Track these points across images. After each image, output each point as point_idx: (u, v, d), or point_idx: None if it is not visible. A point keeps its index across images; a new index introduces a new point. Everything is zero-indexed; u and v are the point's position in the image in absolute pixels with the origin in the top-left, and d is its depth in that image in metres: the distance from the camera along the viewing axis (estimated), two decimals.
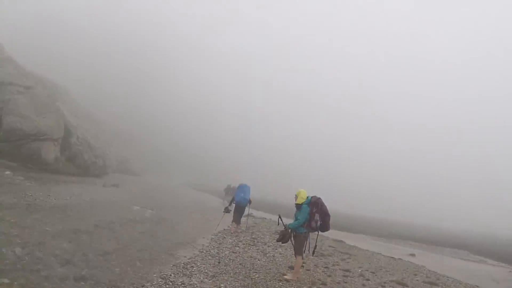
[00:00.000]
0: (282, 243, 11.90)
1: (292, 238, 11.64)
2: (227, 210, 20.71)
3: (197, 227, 20.26)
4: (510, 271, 24.23)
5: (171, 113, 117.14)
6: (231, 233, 19.43)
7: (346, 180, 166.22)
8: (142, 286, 8.84)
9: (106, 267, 9.79)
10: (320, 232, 11.80)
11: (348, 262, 16.48)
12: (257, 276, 11.43)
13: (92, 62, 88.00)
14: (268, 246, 17.07)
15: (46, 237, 11.09)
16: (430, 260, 23.77)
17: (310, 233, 11.75)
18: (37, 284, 7.76)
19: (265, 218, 30.81)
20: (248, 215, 22.24)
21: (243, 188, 20.08)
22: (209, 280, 10.25)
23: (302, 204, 11.44)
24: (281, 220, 12.60)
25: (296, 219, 11.50)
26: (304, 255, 11.70)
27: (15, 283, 7.54)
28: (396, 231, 44.74)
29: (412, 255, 24.60)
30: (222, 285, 9.99)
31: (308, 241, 11.69)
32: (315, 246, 11.80)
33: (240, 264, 12.68)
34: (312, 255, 13.39)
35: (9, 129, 27.98)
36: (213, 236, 17.61)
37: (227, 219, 21.43)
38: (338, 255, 17.62)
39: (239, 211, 20.12)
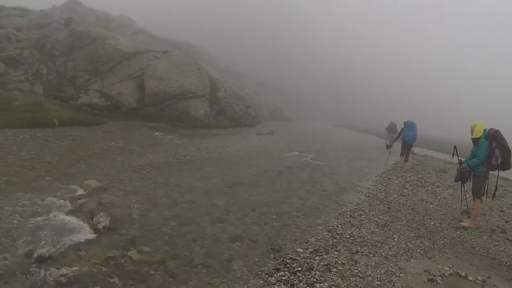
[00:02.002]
0: (462, 183, 10.05)
1: (471, 178, 9.80)
2: (388, 147, 20.51)
3: (360, 168, 18.81)
4: None
5: (310, 60, 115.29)
6: (400, 168, 19.14)
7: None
8: (306, 242, 7.57)
9: (264, 222, 8.63)
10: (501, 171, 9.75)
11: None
12: (432, 223, 9.82)
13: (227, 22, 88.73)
14: (437, 187, 15.18)
15: (198, 194, 10.26)
16: None
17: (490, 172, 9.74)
18: (185, 250, 6.77)
19: (427, 155, 28.32)
20: (412, 153, 20.58)
21: (411, 125, 19.01)
22: (380, 230, 8.82)
23: (479, 138, 9.40)
24: (457, 153, 10.48)
25: (474, 155, 9.58)
26: (483, 198, 9.88)
27: (160, 250, 6.61)
28: None
29: None
30: (395, 235, 8.52)
31: (487, 182, 9.73)
32: (496, 187, 9.98)
33: (412, 209, 11.12)
34: (493, 199, 11.44)
35: (152, 94, 28.39)
36: (377, 178, 16.14)
37: (392, 158, 20.71)
38: (510, 196, 14.99)
39: (407, 148, 19.61)
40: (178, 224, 7.82)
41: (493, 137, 9.29)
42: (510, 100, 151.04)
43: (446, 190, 14.60)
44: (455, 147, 10.65)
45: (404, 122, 19.54)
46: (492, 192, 9.98)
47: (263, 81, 69.19)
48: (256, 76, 67.58)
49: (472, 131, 9.55)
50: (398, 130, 24.49)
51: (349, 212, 9.99)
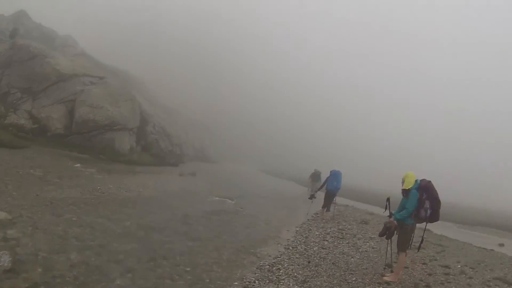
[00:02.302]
0: (386, 238, 9.95)
1: (397, 231, 9.69)
2: (312, 196, 20.42)
3: (280, 218, 18.66)
4: None
5: (243, 104, 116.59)
6: (321, 219, 19.07)
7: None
8: None
9: (177, 274, 8.20)
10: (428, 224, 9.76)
11: (444, 256, 14.46)
12: (353, 279, 9.66)
13: (163, 55, 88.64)
14: (359, 239, 15.29)
15: (110, 238, 9.70)
16: None
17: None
18: None
19: (348, 205, 28.87)
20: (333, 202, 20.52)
21: (335, 175, 19.06)
22: (300, 286, 8.56)
23: (409, 189, 9.37)
24: (389, 205, 10.25)
25: (403, 207, 9.51)
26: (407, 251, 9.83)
27: None
28: (477, 218, 41.32)
29: (501, 245, 22.06)
30: None
31: (413, 234, 9.74)
32: (422, 240, 9.91)
33: (332, 263, 10.92)
34: (418, 251, 11.45)
35: (81, 121, 27.55)
36: (297, 229, 16.01)
37: (313, 207, 20.92)
38: (431, 248, 15.57)
39: (330, 198, 19.36)
40: (85, 272, 7.27)
41: (424, 188, 9.28)
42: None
43: (367, 242, 14.69)
44: (388, 200, 10.26)
45: (330, 171, 19.51)
46: (418, 244, 10.05)
47: (194, 119, 68.81)
48: (188, 113, 67.22)
49: (403, 181, 9.56)
50: (322, 178, 24.89)
51: (268, 266, 9.68)
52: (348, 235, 15.72)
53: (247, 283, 8.25)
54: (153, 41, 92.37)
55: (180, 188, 22.41)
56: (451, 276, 11.15)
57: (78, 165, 21.18)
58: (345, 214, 22.89)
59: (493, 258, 15.80)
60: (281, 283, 8.55)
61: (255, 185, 36.46)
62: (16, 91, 28.08)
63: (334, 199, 19.94)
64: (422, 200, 9.23)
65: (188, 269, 8.61)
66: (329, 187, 19.01)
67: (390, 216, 9.80)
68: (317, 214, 20.66)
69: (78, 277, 7.02)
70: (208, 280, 8.11)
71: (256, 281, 8.42)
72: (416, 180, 9.45)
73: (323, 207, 19.54)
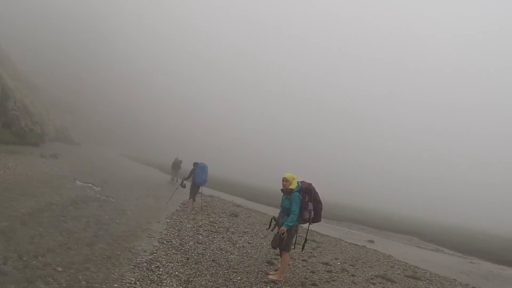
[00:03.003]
0: (275, 248, 9.79)
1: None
2: (183, 185, 20.88)
3: (148, 207, 18.08)
4: (471, 262, 23.51)
5: (111, 85, 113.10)
6: (190, 209, 19.26)
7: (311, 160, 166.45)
8: None
9: (50, 275, 7.28)
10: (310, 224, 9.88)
11: (320, 252, 15.02)
12: (238, 278, 9.42)
13: (36, 29, 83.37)
14: (232, 233, 15.25)
15: None
16: (390, 247, 22.78)
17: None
18: None
19: (213, 196, 29.15)
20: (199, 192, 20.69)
21: (203, 168, 19.35)
22: (184, 287, 8.13)
23: (292, 191, 9.40)
24: (276, 222, 10.12)
25: (285, 209, 9.55)
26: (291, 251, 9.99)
27: None
28: (342, 214, 43.79)
29: (371, 241, 23.69)
30: None
31: (296, 235, 9.74)
32: (305, 240, 10.20)
33: (212, 260, 10.62)
34: (302, 251, 11.62)
35: None
36: (168, 220, 15.54)
37: (177, 197, 21.92)
38: (306, 243, 15.91)
39: (196, 189, 19.61)
40: None
41: (306, 190, 9.34)
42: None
43: (242, 237, 14.68)
44: (272, 219, 10.33)
45: (196, 163, 19.76)
46: (301, 243, 10.04)
47: (59, 99, 65.12)
48: (54, 91, 63.59)
49: (287, 181, 9.46)
50: (182, 167, 25.29)
51: (145, 264, 9.07)
52: (221, 229, 15.60)
53: (127, 285, 7.59)
54: (20, 11, 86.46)
55: (43, 172, 20.90)
56: (334, 274, 11.46)
57: None
58: (212, 205, 22.97)
59: (368, 255, 16.76)
60: (164, 284, 8.03)
61: (119, 171, 35.45)
62: None
63: (200, 189, 20.04)
64: (305, 202, 9.31)
65: (60, 269, 7.70)
66: (197, 180, 19.12)
67: (276, 224, 9.87)
68: (184, 204, 20.79)
69: None
70: (84, 283, 7.29)
71: (137, 282, 7.81)
72: (297, 182, 9.47)
73: (190, 197, 19.59)
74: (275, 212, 22.13)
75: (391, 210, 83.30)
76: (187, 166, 28.01)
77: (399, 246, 26.22)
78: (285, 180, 9.56)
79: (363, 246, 19.80)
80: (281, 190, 9.71)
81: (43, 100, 52.30)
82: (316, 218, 9.63)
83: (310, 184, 9.58)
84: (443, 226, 58.91)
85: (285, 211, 9.57)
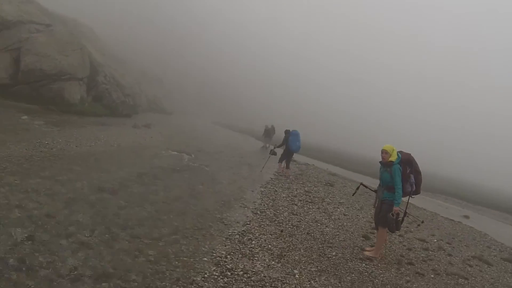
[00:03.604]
0: (397, 230, 8.99)
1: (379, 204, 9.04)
2: (273, 153, 20.86)
3: (241, 175, 17.71)
4: None
5: (198, 53, 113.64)
6: (283, 175, 19.42)
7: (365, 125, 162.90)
8: (191, 284, 6.11)
9: (137, 249, 6.97)
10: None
11: (417, 228, 14.00)
12: (333, 253, 8.89)
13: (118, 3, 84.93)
14: (328, 204, 14.72)
15: (58, 204, 8.29)
16: (486, 225, 21.45)
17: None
18: None
19: (308, 164, 28.69)
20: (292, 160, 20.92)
21: (297, 135, 19.34)
22: (277, 263, 7.60)
23: (392, 163, 8.59)
24: (375, 196, 9.41)
25: (386, 182, 8.76)
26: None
27: None
28: (436, 185, 41.75)
29: (467, 217, 22.37)
30: (295, 270, 7.38)
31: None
32: (405, 214, 9.05)
33: (307, 233, 10.12)
34: (401, 225, 10.73)
35: (27, 70, 25.19)
36: (262, 189, 15.10)
37: (270, 164, 21.27)
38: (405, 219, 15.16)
39: (290, 156, 19.88)
40: (31, 251, 5.93)
41: (407, 162, 8.63)
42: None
43: (338, 208, 14.17)
44: (362, 185, 9.78)
45: (288, 131, 19.79)
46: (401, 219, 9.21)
47: (146, 71, 66.17)
48: (140, 65, 64.66)
49: (386, 153, 8.69)
50: (277, 133, 25.06)
51: (238, 236, 8.69)
52: (317, 199, 15.08)
53: (218, 258, 7.18)
54: None
55: (135, 142, 21.07)
56: (430, 252, 10.80)
57: (26, 117, 19.31)
58: (308, 174, 22.47)
59: (464, 232, 15.92)
60: (256, 258, 7.58)
61: (211, 139, 35.48)
62: None
63: (293, 156, 20.21)
64: (407, 175, 8.63)
65: (149, 241, 7.42)
66: (292, 147, 19.18)
67: (381, 201, 8.99)
68: (279, 173, 20.23)
69: (23, 260, 5.70)
70: (173, 256, 6.94)
71: (228, 256, 7.39)
72: (397, 153, 8.67)
73: (281, 161, 20.04)
74: (371, 181, 21.28)
75: (485, 184, 79.53)
76: (278, 133, 27.99)
77: (495, 224, 24.60)
78: (384, 152, 8.77)
79: (458, 222, 18.82)
80: (380, 162, 8.95)
81: (133, 73, 53.19)
82: (417, 190, 8.91)
83: (410, 154, 8.80)
84: None
85: (385, 185, 8.79)
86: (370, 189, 9.68)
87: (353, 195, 10.15)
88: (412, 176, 8.66)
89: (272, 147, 22.27)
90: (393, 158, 8.58)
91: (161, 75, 75.34)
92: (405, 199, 9.01)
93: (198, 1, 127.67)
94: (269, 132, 33.60)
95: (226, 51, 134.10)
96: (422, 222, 9.87)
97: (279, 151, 21.01)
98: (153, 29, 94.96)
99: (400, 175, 8.45)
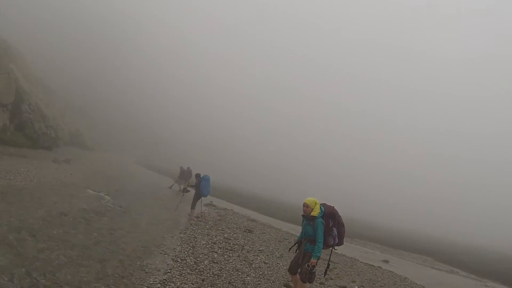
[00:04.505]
0: (304, 282, 9.02)
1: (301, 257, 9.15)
2: (186, 190, 22.42)
3: (160, 219, 17.76)
4: (486, 286, 23.44)
5: (123, 91, 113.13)
6: (190, 218, 19.73)
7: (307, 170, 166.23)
8: None
9: None
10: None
11: (337, 274, 14.66)
12: None
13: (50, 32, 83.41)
14: (248, 251, 14.86)
15: None
16: (406, 268, 22.47)
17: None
18: None
19: (227, 209, 28.90)
20: (210, 203, 22.44)
21: (207, 180, 20.21)
22: None
23: (315, 217, 8.82)
24: (297, 246, 9.57)
25: (308, 234, 8.94)
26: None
27: None
28: (353, 230, 43.13)
29: (386, 261, 23.41)
30: None
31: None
32: (328, 265, 9.44)
33: (229, 282, 10.24)
34: (324, 276, 11.19)
35: None
36: (182, 235, 15.14)
37: (185, 206, 22.02)
38: (322, 264, 15.35)
39: (198, 199, 20.43)
40: None
41: (330, 215, 8.87)
42: None
43: (258, 256, 14.32)
44: (298, 243, 9.70)
45: (199, 175, 20.58)
46: (325, 269, 9.53)
47: (73, 102, 65.06)
48: (68, 94, 63.53)
49: (307, 207, 8.93)
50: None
51: (159, 285, 8.71)
52: (236, 246, 15.24)
53: None
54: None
55: (55, 178, 20.61)
56: None
57: None
58: (226, 219, 22.69)
59: (385, 277, 16.60)
60: None
61: (131, 179, 35.22)
62: None
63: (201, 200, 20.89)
64: (330, 228, 8.85)
65: None
66: (203, 192, 19.97)
67: (302, 255, 9.11)
68: (198, 217, 20.50)
69: None
70: None
71: None
72: (320, 207, 8.97)
73: (192, 207, 20.20)
74: (289, 227, 21.72)
75: (403, 227, 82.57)
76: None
77: (414, 266, 25.84)
78: (305, 205, 9.01)
79: (378, 267, 19.50)
80: (302, 215, 9.19)
81: (58, 103, 52.11)
82: (340, 242, 9.14)
83: (333, 207, 9.07)
84: (456, 244, 58.20)
85: (308, 237, 9.00)
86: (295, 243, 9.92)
87: (289, 250, 10.34)
88: (334, 230, 8.89)
89: (179, 186, 24.15)
90: (316, 212, 8.82)
91: (86, 105, 74.04)
92: (328, 250, 9.33)
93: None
94: (184, 174, 33.62)
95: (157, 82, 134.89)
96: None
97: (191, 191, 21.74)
98: (88, 53, 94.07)
99: (322, 229, 8.68)
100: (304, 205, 9.05)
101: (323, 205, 9.08)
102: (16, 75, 32.94)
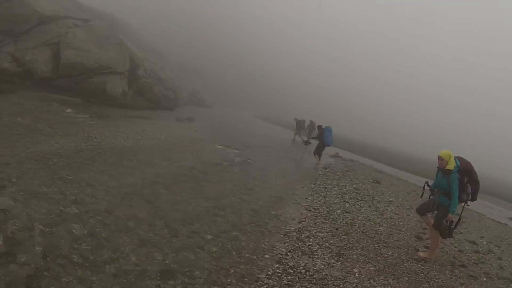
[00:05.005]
0: (449, 237, 8.74)
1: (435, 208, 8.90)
2: (308, 143, 22.77)
3: (289, 171, 17.69)
4: None
5: (236, 44, 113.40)
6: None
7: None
8: (256, 281, 6.07)
9: (198, 245, 6.94)
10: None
11: (466, 228, 14.08)
12: (389, 253, 8.85)
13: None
14: (378, 202, 14.60)
15: (114, 199, 8.29)
16: None
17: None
18: None
19: (353, 160, 29.11)
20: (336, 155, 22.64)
21: (330, 131, 21.29)
22: (336, 261, 7.56)
23: (451, 171, 8.36)
24: (431, 191, 9.17)
25: (442, 186, 8.63)
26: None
27: None
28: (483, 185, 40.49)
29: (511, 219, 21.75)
30: (355, 269, 7.36)
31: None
32: (459, 219, 8.90)
33: (362, 232, 10.08)
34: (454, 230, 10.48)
35: (68, 64, 25.43)
36: (312, 185, 15.10)
37: (308, 157, 22.62)
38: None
39: (322, 149, 22.07)
40: (93, 248, 5.92)
41: (465, 171, 8.41)
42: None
43: (388, 207, 14.05)
44: (426, 183, 9.33)
45: (321, 126, 22.00)
46: (455, 223, 8.95)
47: (184, 64, 66.46)
48: (178, 58, 64.92)
49: (442, 160, 8.46)
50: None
51: (295, 233, 8.67)
52: (367, 197, 15.09)
53: (279, 256, 7.16)
54: None
55: (180, 135, 21.13)
56: (481, 255, 10.69)
57: (70, 110, 19.48)
58: (354, 170, 22.65)
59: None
60: (315, 256, 7.55)
61: (255, 133, 35.53)
62: None
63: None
64: (464, 184, 8.48)
65: (209, 237, 7.41)
66: (327, 141, 21.31)
67: (437, 207, 8.84)
68: (326, 168, 21.09)
69: (86, 256, 5.69)
70: (235, 253, 6.92)
71: (289, 254, 7.38)
72: (455, 161, 8.46)
73: (315, 154, 22.17)
74: (416, 180, 20.95)
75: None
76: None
77: None
78: (440, 158, 8.59)
79: (504, 224, 18.45)
80: (438, 168, 8.80)
81: (171, 66, 53.51)
82: (473, 198, 8.71)
83: (469, 163, 8.61)
84: None
85: (442, 190, 8.65)
86: (429, 188, 9.35)
87: (421, 197, 9.88)
88: (469, 186, 8.49)
89: (301, 138, 25.54)
90: (451, 165, 8.40)
91: (198, 66, 75.35)
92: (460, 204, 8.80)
93: None
94: (300, 125, 34.00)
95: (266, 39, 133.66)
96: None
97: (313, 143, 22.55)
98: (188, 19, 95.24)
99: (458, 184, 8.29)
100: (438, 158, 8.66)
101: (459, 159, 8.65)
102: (127, 43, 33.81)
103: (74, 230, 6.36)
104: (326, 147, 21.91)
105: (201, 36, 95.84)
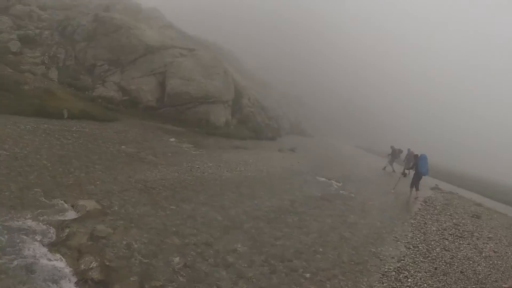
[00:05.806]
0: None
1: None
2: (404, 174, 22.90)
3: (389, 205, 17.39)
4: None
5: (331, 76, 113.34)
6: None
7: None
8: None
9: (297, 283, 6.91)
10: None
11: None
12: None
13: (249, 26, 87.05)
14: (477, 239, 13.93)
15: (215, 232, 8.43)
16: None
17: None
18: None
19: (453, 192, 27.53)
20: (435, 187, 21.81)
21: (426, 159, 20.25)
22: None
23: None
24: None
25: None
26: None
27: None
28: None
29: None
30: None
31: None
32: None
33: (460, 271, 9.67)
34: None
35: (173, 94, 26.46)
36: (412, 221, 14.74)
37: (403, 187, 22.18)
38: None
39: (419, 179, 20.68)
40: (190, 280, 6.04)
41: None
42: None
43: (487, 244, 13.44)
44: None
45: (416, 155, 20.98)
46: None
47: (285, 92, 67.13)
48: (278, 86, 65.72)
49: None
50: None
51: (394, 273, 8.41)
52: (466, 233, 14.46)
53: None
54: (237, 11, 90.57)
55: (282, 167, 21.13)
56: None
57: (173, 139, 20.16)
58: (454, 204, 21.71)
59: None
60: None
61: (356, 163, 34.92)
62: (103, 63, 27.30)
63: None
64: None
65: (307, 275, 7.34)
66: (422, 171, 20.11)
67: None
68: (426, 202, 20.31)
69: None
70: None
71: None
72: None
73: (411, 186, 20.90)
74: None
75: None
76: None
77: None
78: None
79: None
80: None
81: (273, 94, 54.09)
82: None
83: None
84: None
85: None
86: None
87: None
88: None
89: (391, 167, 25.74)
90: None
91: (300, 97, 75.75)
92: None
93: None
94: (395, 153, 33.19)
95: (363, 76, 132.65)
96: None
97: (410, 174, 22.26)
98: (286, 55, 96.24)
99: None
100: None
101: None
102: (232, 72, 34.49)
103: (172, 262, 6.51)
104: (423, 176, 20.82)
105: (303, 64, 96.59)
